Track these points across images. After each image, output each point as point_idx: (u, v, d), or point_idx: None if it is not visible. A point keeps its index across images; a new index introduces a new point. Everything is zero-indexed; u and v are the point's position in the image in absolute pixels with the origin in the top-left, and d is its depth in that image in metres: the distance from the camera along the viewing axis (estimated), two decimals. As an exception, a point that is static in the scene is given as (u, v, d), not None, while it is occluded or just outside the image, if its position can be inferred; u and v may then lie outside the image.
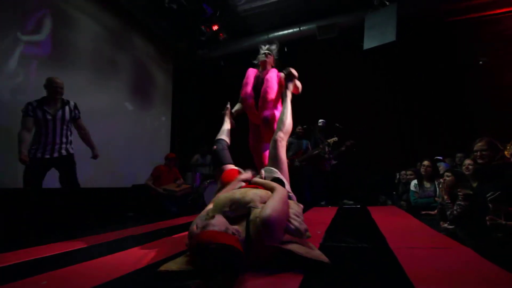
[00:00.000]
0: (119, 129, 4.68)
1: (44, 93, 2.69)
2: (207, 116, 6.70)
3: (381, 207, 3.98)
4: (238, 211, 1.25)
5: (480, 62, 4.70)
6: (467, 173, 2.38)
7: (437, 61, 5.06)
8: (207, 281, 0.88)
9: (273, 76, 2.39)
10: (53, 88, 2.64)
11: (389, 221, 2.62)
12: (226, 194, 1.39)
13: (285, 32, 5.57)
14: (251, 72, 2.49)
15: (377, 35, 4.71)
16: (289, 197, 1.57)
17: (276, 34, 5.63)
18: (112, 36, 4.69)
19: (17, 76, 3.28)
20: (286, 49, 5.83)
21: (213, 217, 1.16)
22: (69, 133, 2.75)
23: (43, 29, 3.60)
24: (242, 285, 0.99)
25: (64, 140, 2.68)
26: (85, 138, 2.90)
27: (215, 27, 5.07)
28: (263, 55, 2.49)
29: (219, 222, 1.11)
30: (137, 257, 1.50)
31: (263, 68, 2.49)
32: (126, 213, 4.07)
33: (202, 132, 6.69)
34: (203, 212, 1.38)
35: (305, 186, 4.75)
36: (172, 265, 1.18)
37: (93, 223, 2.91)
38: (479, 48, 4.77)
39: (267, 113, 2.32)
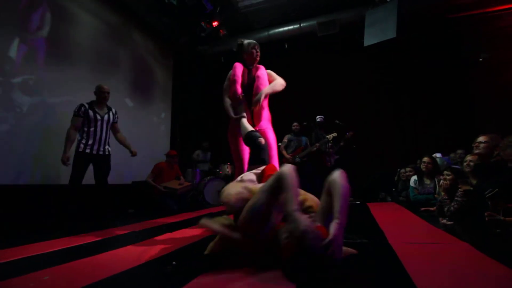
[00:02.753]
0: (119, 125, 4.67)
1: (91, 97, 3.06)
2: (207, 112, 6.71)
3: (380, 204, 4.00)
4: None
5: (480, 59, 4.69)
6: (467, 170, 2.39)
7: (438, 58, 5.05)
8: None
9: (264, 73, 2.27)
10: (102, 94, 3.01)
11: (389, 217, 2.64)
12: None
13: (286, 28, 5.54)
14: (239, 68, 2.27)
15: (378, 31, 4.70)
16: None
17: (277, 30, 5.61)
18: (112, 32, 4.67)
19: (19, 73, 3.27)
20: (286, 46, 5.84)
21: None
22: (109, 134, 3.11)
23: (43, 25, 3.58)
24: (240, 282, 1.00)
25: (108, 139, 3.06)
26: (123, 139, 3.26)
27: (215, 23, 5.04)
28: (254, 49, 2.27)
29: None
30: (137, 253, 1.51)
31: (251, 62, 2.28)
32: (127, 210, 4.09)
33: (202, 128, 6.70)
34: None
35: (305, 183, 4.76)
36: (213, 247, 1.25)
37: (95, 219, 2.92)
38: (481, 44, 4.75)
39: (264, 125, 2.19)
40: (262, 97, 2.07)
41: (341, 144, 4.83)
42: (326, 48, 5.76)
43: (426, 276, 0.99)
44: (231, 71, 2.25)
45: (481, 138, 2.43)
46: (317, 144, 4.70)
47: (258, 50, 2.29)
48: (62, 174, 3.35)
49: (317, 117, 5.04)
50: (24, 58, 3.35)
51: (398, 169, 4.36)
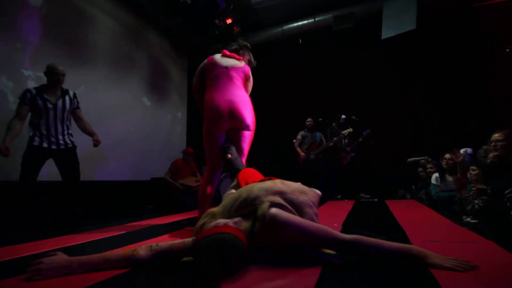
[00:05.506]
0: (136, 124, 4.81)
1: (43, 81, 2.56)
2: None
3: (399, 201, 3.90)
4: (244, 209, 1.18)
5: (507, 50, 4.43)
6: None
7: (460, 49, 4.82)
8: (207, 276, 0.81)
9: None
10: (54, 75, 2.46)
11: (409, 214, 2.57)
12: (233, 195, 1.30)
13: (300, 23, 5.47)
14: None
15: (396, 23, 4.54)
16: None
17: (291, 25, 5.55)
18: (129, 33, 4.79)
19: (34, 73, 3.39)
20: (300, 41, 5.77)
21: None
22: (69, 123, 2.60)
23: (63, 27, 3.71)
24: (254, 278, 1.00)
25: (65, 131, 2.55)
26: (85, 127, 2.71)
27: (229, 21, 5.05)
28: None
29: (220, 221, 1.06)
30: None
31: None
32: (146, 205, 4.21)
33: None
34: (206, 212, 1.33)
35: (320, 180, 4.72)
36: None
37: (115, 214, 3.03)
38: (506, 35, 4.50)
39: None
40: None
41: (359, 140, 4.74)
42: (342, 43, 5.64)
43: (451, 275, 0.96)
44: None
45: (496, 136, 2.29)
46: (335, 139, 4.62)
47: None
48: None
49: (341, 116, 4.92)
50: (44, 60, 3.45)
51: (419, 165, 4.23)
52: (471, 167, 2.38)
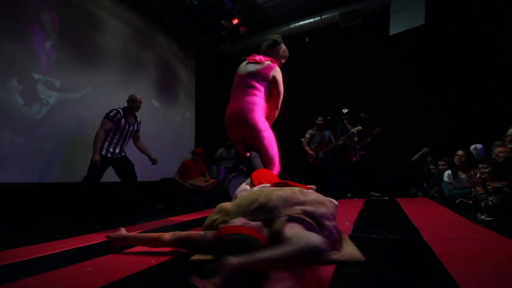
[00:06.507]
0: (146, 125, 4.86)
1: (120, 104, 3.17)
2: (230, 110, 6.77)
3: (411, 199, 3.84)
4: (260, 215, 1.15)
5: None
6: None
7: (472, 44, 4.70)
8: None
9: None
10: (135, 103, 3.11)
11: (421, 212, 2.53)
12: (250, 196, 1.28)
13: (306, 21, 5.45)
14: None
15: (405, 19, 4.47)
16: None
17: (297, 24, 5.53)
18: (136, 35, 4.85)
19: (47, 77, 3.46)
20: (307, 39, 5.74)
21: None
22: (128, 141, 3.21)
23: (72, 30, 3.77)
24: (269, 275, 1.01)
25: (125, 146, 3.16)
26: (143, 147, 3.36)
27: (236, 21, 5.06)
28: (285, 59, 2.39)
29: (238, 220, 1.07)
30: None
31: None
32: (157, 205, 4.27)
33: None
34: (219, 208, 1.35)
35: (330, 178, 4.69)
36: (202, 256, 1.22)
37: (128, 214, 3.09)
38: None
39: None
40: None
41: (368, 140, 4.69)
42: (349, 40, 5.58)
43: (469, 274, 0.94)
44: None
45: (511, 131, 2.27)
46: (343, 138, 4.59)
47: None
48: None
49: (343, 109, 4.92)
50: (53, 63, 3.52)
51: (428, 163, 4.17)
52: (481, 165, 2.32)
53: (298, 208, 1.15)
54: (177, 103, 5.82)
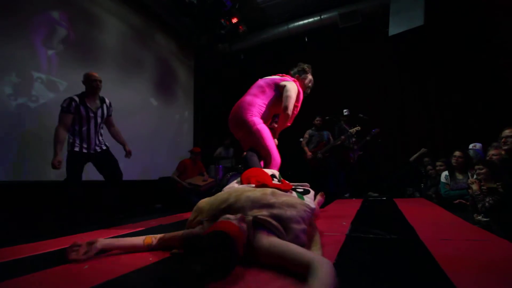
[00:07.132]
0: (144, 125, 4.86)
1: (81, 89, 2.67)
2: (228, 109, 6.77)
3: (408, 199, 3.85)
4: (228, 215, 1.13)
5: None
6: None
7: (471, 44, 4.72)
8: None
9: None
10: (93, 82, 2.60)
11: (418, 213, 2.54)
12: (223, 195, 1.28)
13: (306, 21, 5.46)
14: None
15: (404, 19, 4.49)
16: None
17: (296, 24, 5.53)
18: (135, 34, 4.84)
19: (46, 76, 3.46)
20: (306, 39, 5.74)
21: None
22: (102, 129, 2.79)
23: (70, 29, 3.77)
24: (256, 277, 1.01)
25: (100, 136, 2.74)
26: (117, 134, 2.92)
27: (235, 20, 5.06)
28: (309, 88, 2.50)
29: (230, 217, 1.07)
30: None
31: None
32: (155, 205, 4.26)
33: (224, 125, 6.78)
34: (196, 206, 1.35)
35: (328, 178, 4.70)
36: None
37: (124, 213, 3.08)
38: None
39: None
40: None
41: (367, 139, 4.70)
42: (348, 40, 5.60)
43: (464, 274, 0.95)
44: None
45: (507, 132, 2.28)
46: (343, 137, 4.60)
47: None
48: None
49: (344, 110, 4.93)
50: (52, 62, 3.52)
51: (426, 164, 4.19)
52: (477, 166, 2.34)
53: (265, 210, 1.14)
54: (175, 102, 5.82)
